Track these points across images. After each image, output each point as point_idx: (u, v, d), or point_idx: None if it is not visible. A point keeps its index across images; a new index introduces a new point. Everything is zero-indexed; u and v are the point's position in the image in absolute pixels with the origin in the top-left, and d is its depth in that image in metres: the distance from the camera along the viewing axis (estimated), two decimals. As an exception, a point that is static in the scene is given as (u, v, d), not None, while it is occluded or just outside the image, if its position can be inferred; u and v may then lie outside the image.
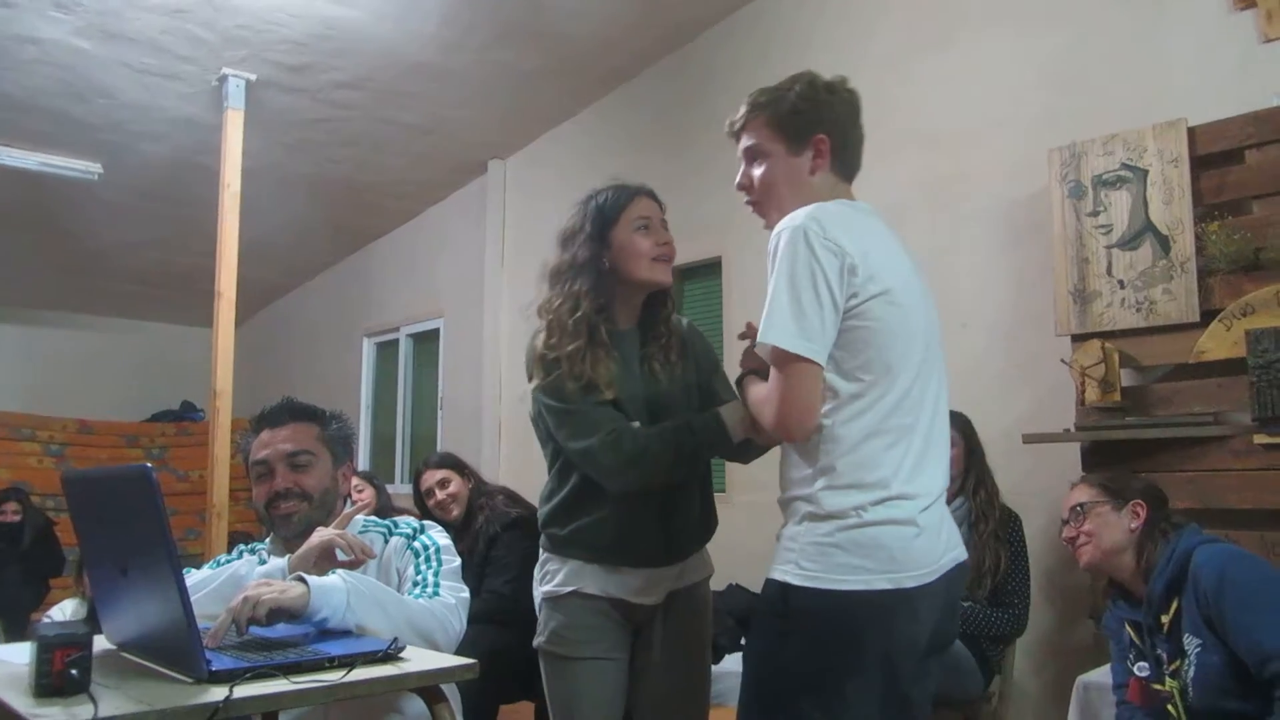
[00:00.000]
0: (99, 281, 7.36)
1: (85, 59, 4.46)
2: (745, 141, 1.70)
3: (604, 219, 1.92)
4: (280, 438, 1.90)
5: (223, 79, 4.65)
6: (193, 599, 1.64)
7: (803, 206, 1.55)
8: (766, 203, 1.68)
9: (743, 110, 1.71)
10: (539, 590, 1.98)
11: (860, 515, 1.47)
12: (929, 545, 1.51)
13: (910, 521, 1.49)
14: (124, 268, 7.10)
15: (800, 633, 1.47)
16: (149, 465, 1.25)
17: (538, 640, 1.97)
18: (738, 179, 1.72)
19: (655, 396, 1.91)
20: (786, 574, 1.49)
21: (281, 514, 1.87)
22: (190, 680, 1.26)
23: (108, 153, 5.37)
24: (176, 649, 1.30)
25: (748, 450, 1.89)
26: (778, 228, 1.54)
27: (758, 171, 1.68)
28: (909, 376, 1.54)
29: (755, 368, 1.70)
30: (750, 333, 1.74)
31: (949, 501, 2.85)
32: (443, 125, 5.40)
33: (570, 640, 1.92)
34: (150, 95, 4.83)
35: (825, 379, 1.50)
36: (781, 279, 1.49)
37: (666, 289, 1.98)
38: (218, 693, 1.19)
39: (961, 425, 2.95)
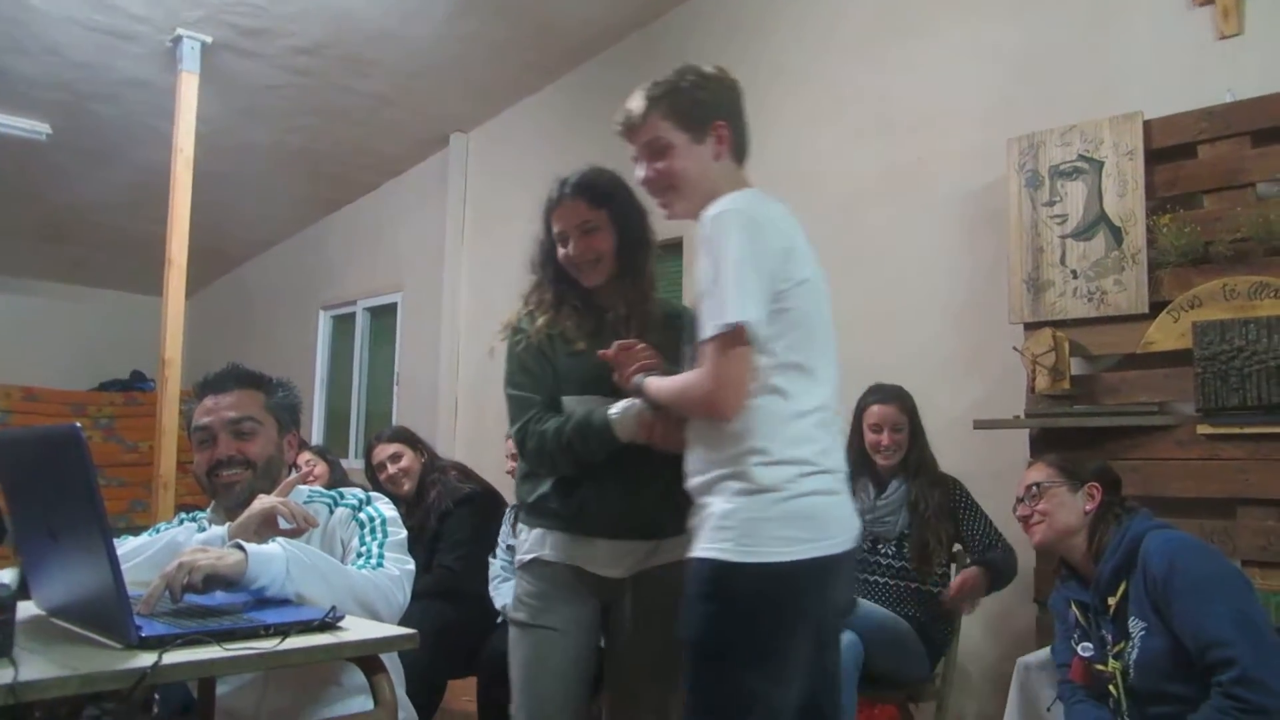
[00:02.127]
0: (47, 246, 7.17)
1: (32, 13, 4.31)
2: (644, 137, 1.72)
3: (545, 224, 2.05)
4: (224, 404, 1.85)
5: (177, 40, 4.53)
6: (128, 566, 1.62)
7: (709, 193, 1.62)
8: (675, 192, 1.71)
9: (639, 105, 1.73)
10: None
11: (793, 488, 1.53)
12: (848, 514, 1.62)
13: (833, 491, 1.59)
14: (73, 232, 6.92)
15: (741, 607, 1.51)
16: (78, 425, 1.21)
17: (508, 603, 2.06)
18: (641, 174, 1.75)
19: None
20: (725, 551, 1.52)
21: (224, 482, 1.83)
22: (119, 646, 1.23)
23: (57, 113, 5.22)
24: (106, 615, 1.27)
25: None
26: (713, 210, 1.57)
27: (662, 164, 1.71)
28: (827, 361, 1.64)
29: (644, 369, 1.79)
30: (620, 346, 1.84)
31: (886, 483, 2.91)
32: (404, 96, 5.31)
33: (530, 606, 1.96)
34: (101, 54, 4.69)
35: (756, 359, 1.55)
36: (721, 260, 1.52)
37: (631, 268, 2.04)
38: (146, 658, 1.16)
39: (909, 407, 2.97)
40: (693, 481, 1.64)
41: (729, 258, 1.52)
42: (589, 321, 2.00)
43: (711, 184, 1.67)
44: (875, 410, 2.94)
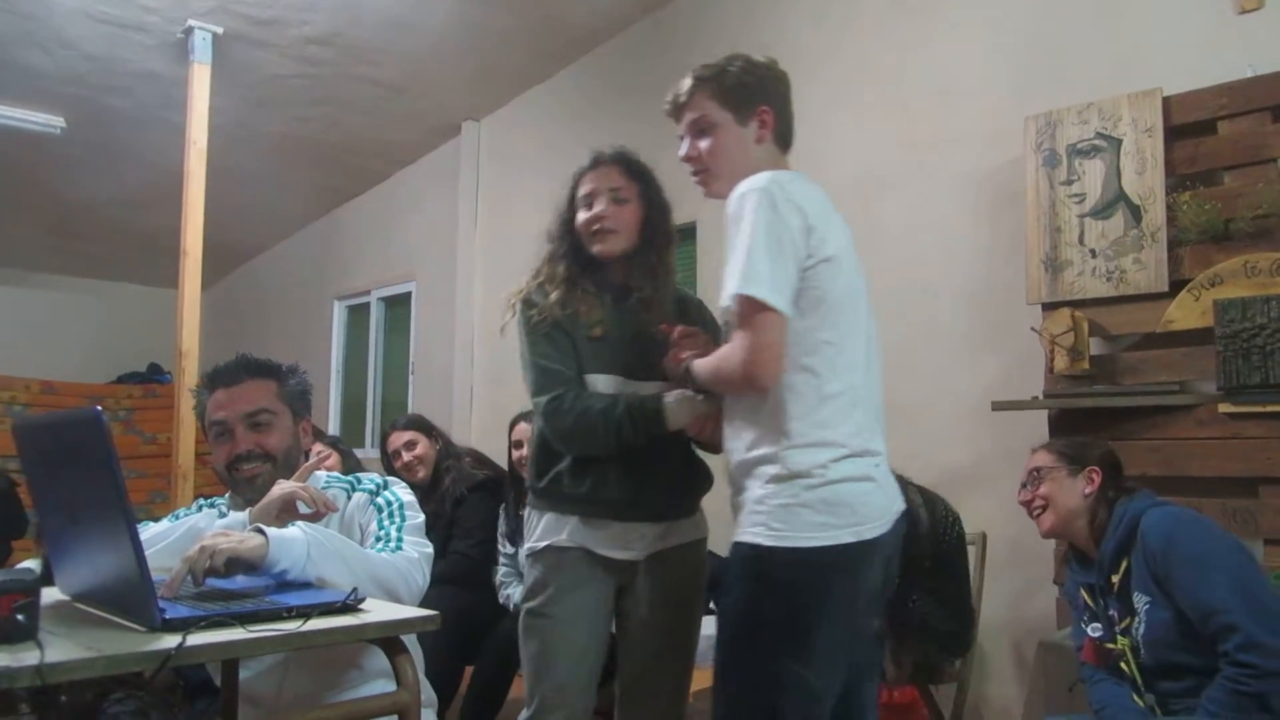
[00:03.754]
0: (63, 240, 7.21)
1: (45, 6, 4.33)
2: (690, 115, 1.76)
3: (570, 193, 2.03)
4: (238, 396, 1.85)
5: (188, 31, 4.53)
6: (150, 552, 1.63)
7: (748, 175, 1.62)
8: (715, 171, 1.75)
9: (687, 85, 1.77)
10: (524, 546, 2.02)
11: (823, 474, 1.54)
12: (882, 498, 1.61)
13: (867, 477, 1.58)
14: (89, 226, 6.96)
15: (774, 590, 1.53)
16: (99, 408, 1.22)
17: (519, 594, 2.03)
18: (684, 151, 1.78)
19: (639, 336, 1.94)
20: (757, 535, 1.54)
21: (245, 476, 1.84)
22: (143, 629, 1.23)
23: (70, 106, 5.24)
24: (129, 598, 1.27)
25: (701, 446, 1.97)
26: (739, 190, 1.59)
27: (705, 143, 1.75)
28: (856, 341, 1.64)
29: (694, 356, 1.77)
30: (679, 333, 1.84)
31: None
32: (415, 84, 5.30)
33: (543, 594, 1.94)
34: (113, 47, 4.70)
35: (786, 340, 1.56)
36: (751, 236, 1.53)
37: (652, 249, 2.01)
38: (170, 640, 1.17)
39: None
40: (733, 464, 1.66)
41: (751, 233, 1.54)
42: (598, 309, 1.97)
43: (751, 166, 1.68)
44: None
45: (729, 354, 1.60)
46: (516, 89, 5.53)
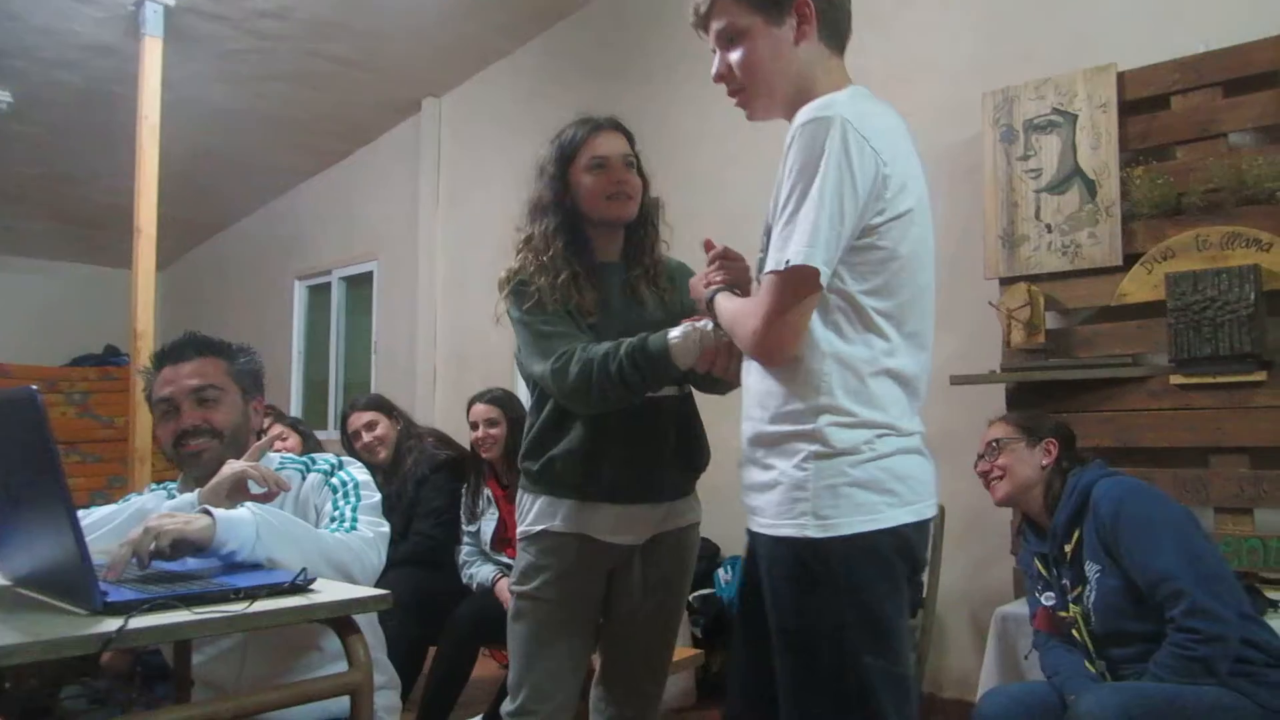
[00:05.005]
0: (13, 220, 7.04)
1: (-12, -22, 4.21)
2: (716, 25, 1.47)
3: (564, 158, 1.91)
4: (185, 373, 1.81)
5: (139, 4, 4.42)
6: (96, 535, 1.61)
7: (795, 86, 1.42)
8: (753, 87, 1.47)
9: None
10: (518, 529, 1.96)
11: (873, 448, 1.34)
12: (931, 475, 1.42)
13: (918, 450, 1.41)
14: (40, 204, 6.80)
15: (840, 590, 1.33)
16: (34, 387, 1.19)
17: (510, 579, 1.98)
18: (714, 69, 1.50)
19: (638, 324, 1.82)
20: (804, 527, 1.33)
21: (190, 451, 1.80)
22: (84, 612, 1.21)
23: (18, 80, 5.10)
24: (70, 581, 1.25)
25: (717, 383, 1.79)
26: (800, 118, 1.33)
27: (736, 55, 1.46)
28: (921, 308, 1.41)
29: (725, 284, 1.59)
30: (719, 252, 1.64)
31: None
32: (373, 60, 5.22)
33: (535, 579, 1.89)
34: (62, 19, 4.58)
35: (834, 302, 1.35)
36: (820, 191, 1.28)
37: (648, 220, 1.96)
38: (112, 624, 1.14)
39: None
40: (751, 432, 1.44)
41: (813, 182, 1.29)
42: (591, 294, 1.88)
43: (796, 75, 1.44)
44: None
45: (749, 313, 1.38)
46: (477, 65, 5.46)
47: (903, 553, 1.36)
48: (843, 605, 1.33)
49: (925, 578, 3.08)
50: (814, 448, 1.34)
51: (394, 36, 5.00)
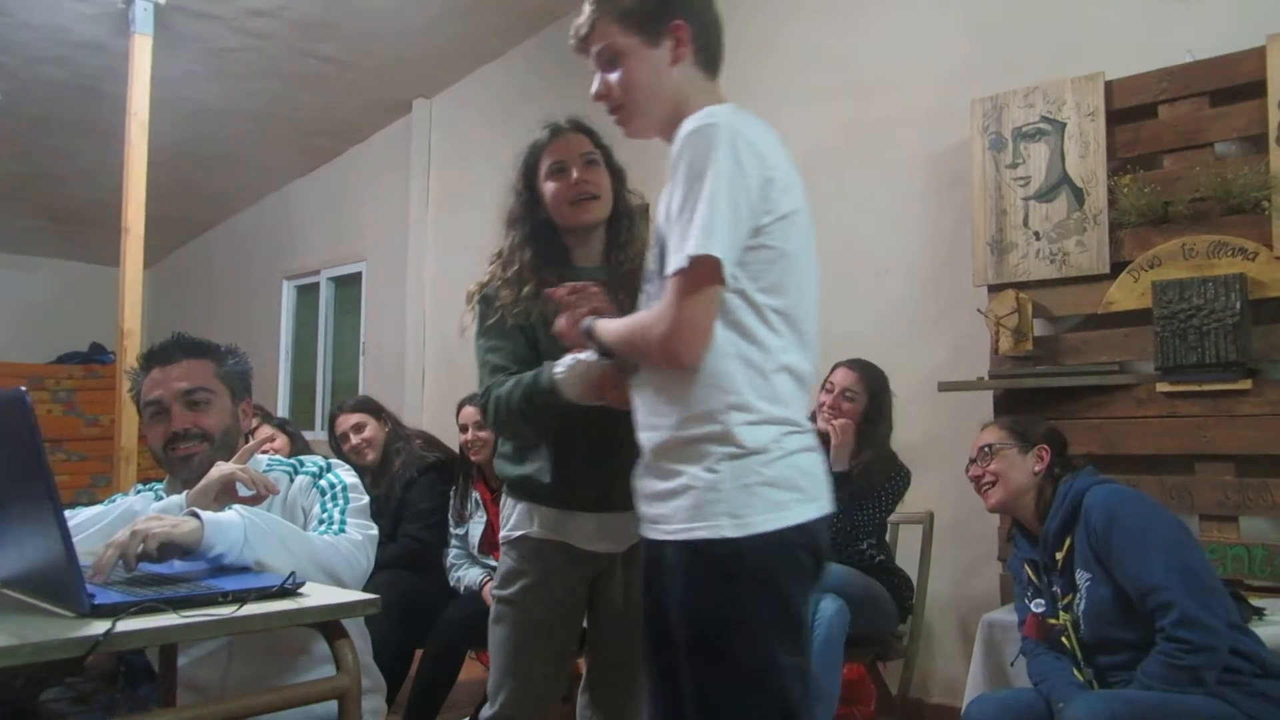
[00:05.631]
0: (1, 216, 7.00)
1: (-24, -26, 4.18)
2: (596, 46, 1.54)
3: (529, 169, 1.92)
4: (174, 375, 1.80)
5: (129, 1, 4.39)
6: (83, 536, 1.60)
7: (670, 106, 1.47)
8: (631, 105, 1.53)
9: (587, 12, 1.54)
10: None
11: (782, 446, 1.37)
12: (825, 469, 1.46)
13: (814, 447, 1.44)
14: (26, 201, 6.74)
15: (752, 585, 1.34)
16: (23, 389, 1.18)
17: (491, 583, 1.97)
18: (594, 88, 1.55)
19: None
20: (720, 527, 1.34)
21: (180, 455, 1.79)
22: (72, 615, 1.20)
23: (5, 77, 5.05)
24: (57, 583, 1.24)
25: None
26: (687, 126, 1.37)
27: (615, 75, 1.52)
28: (806, 307, 1.44)
29: (593, 312, 1.61)
30: (568, 289, 1.67)
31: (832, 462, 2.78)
32: (365, 60, 5.20)
33: (515, 584, 1.89)
34: (51, 15, 4.54)
35: (732, 303, 1.37)
36: (713, 189, 1.31)
37: (625, 215, 1.94)
38: (99, 626, 1.14)
39: (871, 382, 2.93)
40: (654, 441, 1.44)
41: (704, 180, 1.32)
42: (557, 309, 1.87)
43: (671, 95, 1.50)
44: (838, 372, 2.95)
45: (651, 322, 1.38)
46: (468, 66, 5.45)
47: (809, 548, 1.39)
48: (759, 601, 1.35)
49: (918, 580, 3.11)
50: (726, 449, 1.36)
51: (385, 37, 4.99)
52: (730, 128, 1.35)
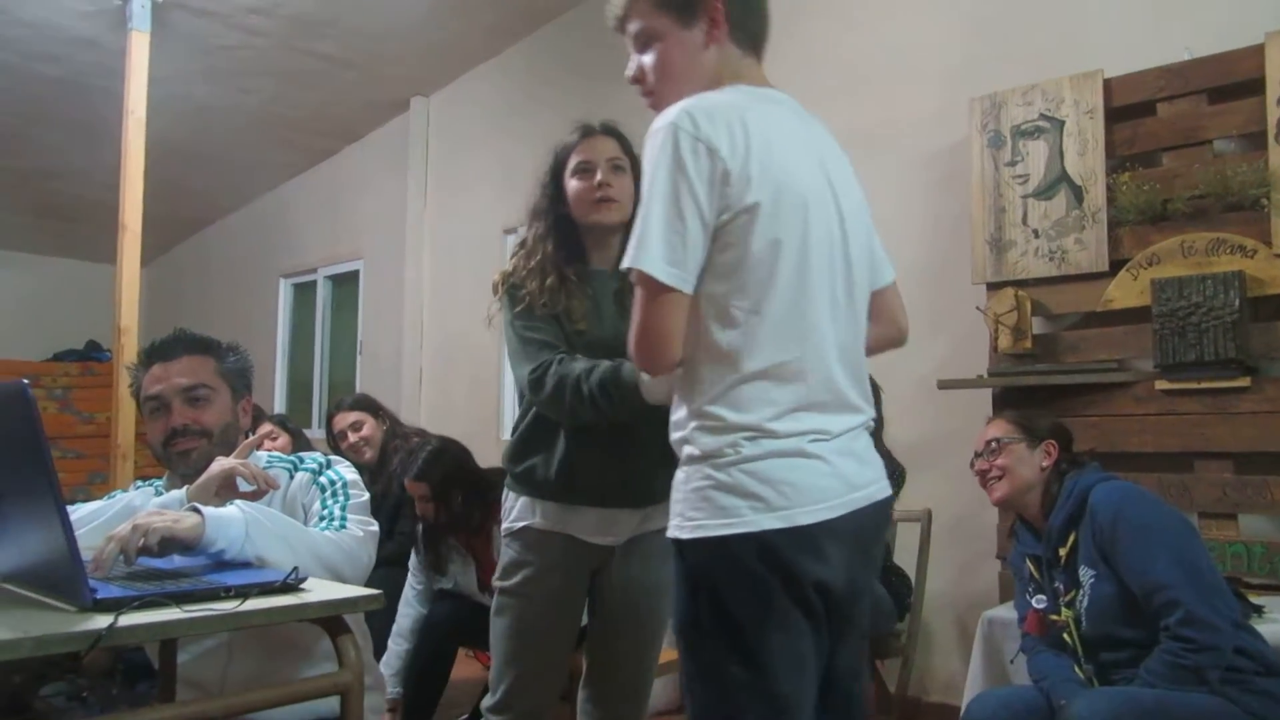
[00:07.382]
0: (-4, 214, 6.99)
1: (-28, -30, 4.16)
2: (632, 27, 1.49)
3: (557, 165, 1.95)
4: (174, 371, 1.80)
5: (126, -2, 4.39)
6: (84, 531, 1.59)
7: (705, 87, 1.40)
8: (663, 91, 1.46)
9: None
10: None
11: (738, 451, 1.31)
12: (824, 479, 1.33)
13: (798, 452, 1.32)
14: (21, 198, 6.73)
15: (700, 591, 1.32)
16: (25, 381, 1.17)
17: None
18: (629, 71, 1.51)
19: (625, 334, 1.82)
20: (678, 529, 1.34)
21: (179, 451, 1.79)
22: (74, 609, 1.20)
23: (1, 73, 5.05)
24: (59, 577, 1.23)
25: None
26: (651, 127, 1.34)
27: (649, 58, 1.47)
28: (798, 304, 1.35)
29: None
30: None
31: None
32: (362, 58, 5.19)
33: (517, 574, 1.90)
34: (47, 12, 4.53)
35: (704, 306, 1.34)
36: (648, 195, 1.31)
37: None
38: (101, 620, 1.13)
39: None
40: (671, 439, 1.45)
41: (649, 188, 1.31)
42: (581, 302, 1.89)
43: (704, 77, 1.43)
44: None
45: (630, 331, 1.37)
46: (466, 65, 5.44)
47: (769, 561, 1.29)
48: (699, 606, 1.33)
49: (917, 578, 3.11)
50: (689, 450, 1.36)
51: (382, 35, 4.98)
52: (679, 127, 1.30)
